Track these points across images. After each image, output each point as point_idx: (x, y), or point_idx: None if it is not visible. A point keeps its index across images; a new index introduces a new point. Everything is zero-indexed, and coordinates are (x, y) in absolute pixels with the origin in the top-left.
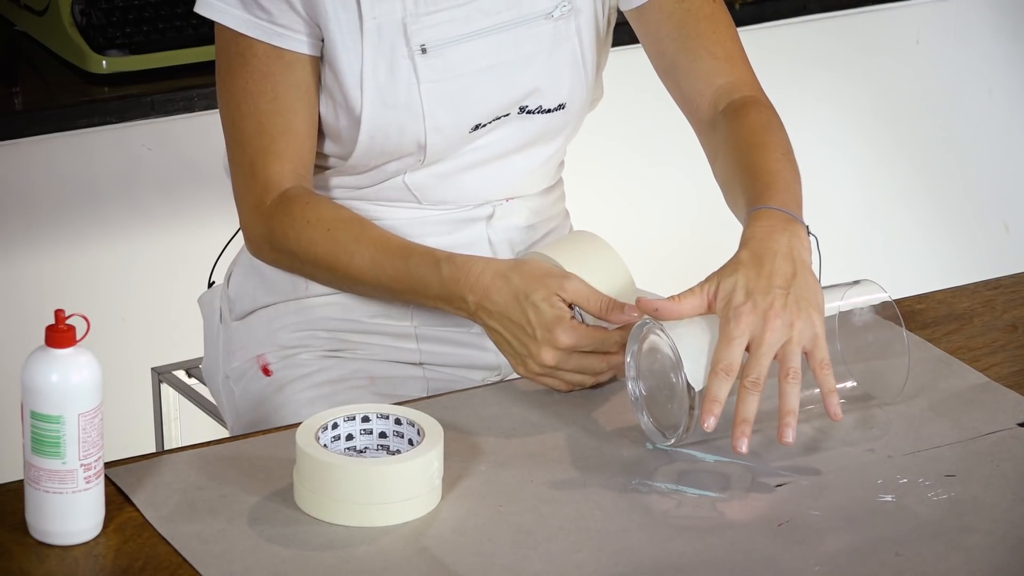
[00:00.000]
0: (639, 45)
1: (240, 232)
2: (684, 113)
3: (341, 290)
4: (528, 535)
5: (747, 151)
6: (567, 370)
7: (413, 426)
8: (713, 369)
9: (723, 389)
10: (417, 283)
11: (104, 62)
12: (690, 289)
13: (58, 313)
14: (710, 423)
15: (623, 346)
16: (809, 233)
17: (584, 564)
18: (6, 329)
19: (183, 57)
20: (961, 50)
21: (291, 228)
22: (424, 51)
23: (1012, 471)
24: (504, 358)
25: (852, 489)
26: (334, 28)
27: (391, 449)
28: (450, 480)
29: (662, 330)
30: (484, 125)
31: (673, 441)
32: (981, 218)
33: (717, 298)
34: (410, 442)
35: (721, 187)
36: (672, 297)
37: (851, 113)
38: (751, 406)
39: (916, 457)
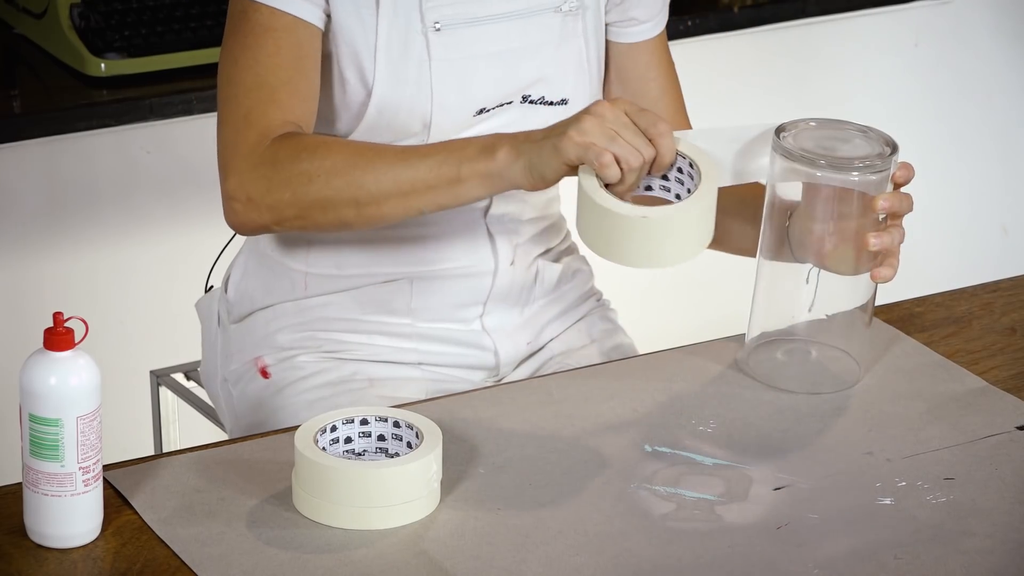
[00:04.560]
0: None
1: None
2: None
3: (351, 216)
4: (527, 538)
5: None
6: (619, 133)
7: (412, 429)
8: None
9: None
10: (455, 145)
11: (103, 65)
12: None
13: (56, 316)
14: None
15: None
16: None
17: (582, 567)
18: (4, 332)
19: (182, 60)
20: (960, 53)
21: (302, 147)
22: (438, 28)
23: (1011, 474)
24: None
25: (851, 492)
26: (347, 0)
27: (390, 452)
28: (448, 483)
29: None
30: (488, 110)
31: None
32: (980, 221)
33: None
34: (409, 445)
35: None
36: None
37: (849, 116)
38: None
39: (915, 460)
